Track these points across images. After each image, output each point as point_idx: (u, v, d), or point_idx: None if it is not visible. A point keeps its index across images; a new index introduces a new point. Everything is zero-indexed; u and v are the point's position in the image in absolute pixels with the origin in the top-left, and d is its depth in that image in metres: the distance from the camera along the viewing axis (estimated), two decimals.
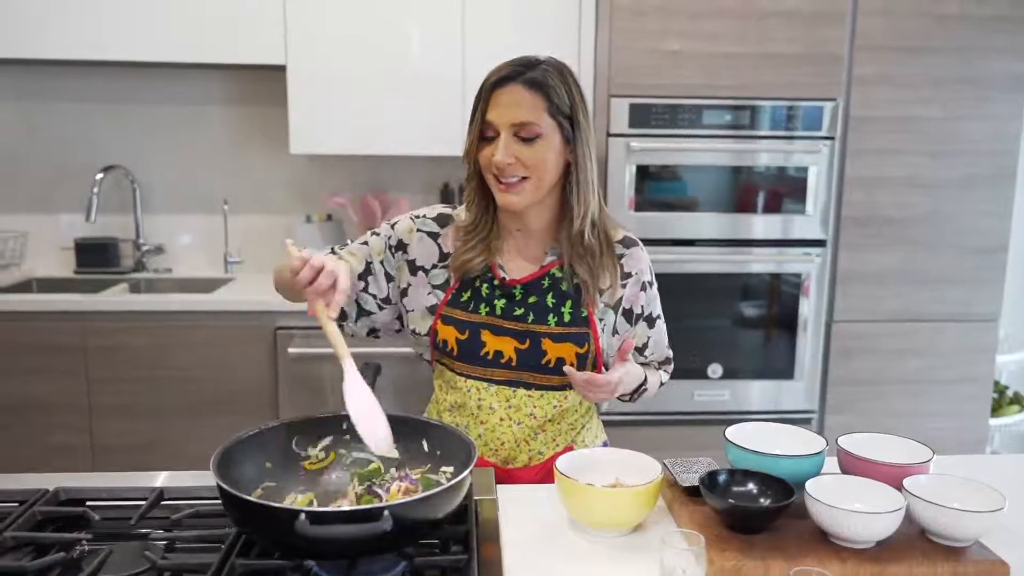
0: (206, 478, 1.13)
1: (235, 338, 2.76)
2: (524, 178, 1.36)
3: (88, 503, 1.18)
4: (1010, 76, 2.84)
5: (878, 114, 2.84)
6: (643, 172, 2.81)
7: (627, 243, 1.51)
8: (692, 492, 1.20)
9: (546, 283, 1.44)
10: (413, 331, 1.48)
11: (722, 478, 1.17)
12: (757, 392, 2.95)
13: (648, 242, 2.76)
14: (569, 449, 1.48)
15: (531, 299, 1.43)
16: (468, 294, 1.44)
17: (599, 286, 1.43)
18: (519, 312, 1.42)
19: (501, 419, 1.43)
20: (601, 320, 1.45)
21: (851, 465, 1.20)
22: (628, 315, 1.50)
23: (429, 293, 1.47)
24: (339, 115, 2.92)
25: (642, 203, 2.82)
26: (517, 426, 1.44)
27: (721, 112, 2.79)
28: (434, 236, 1.49)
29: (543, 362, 1.41)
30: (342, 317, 1.47)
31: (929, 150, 2.87)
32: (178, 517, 1.11)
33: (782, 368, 2.96)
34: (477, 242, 1.44)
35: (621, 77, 2.76)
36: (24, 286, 3.10)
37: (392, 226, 1.51)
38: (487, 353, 1.42)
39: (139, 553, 1.05)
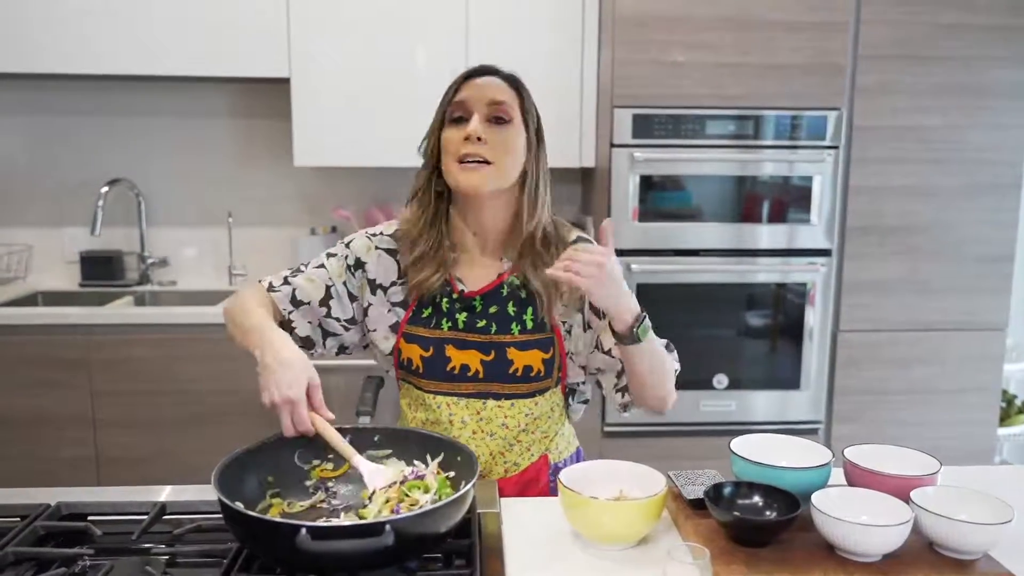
0: (208, 492, 1.12)
1: (239, 351, 2.74)
2: (488, 162, 1.34)
3: (90, 518, 1.17)
4: (1014, 85, 2.83)
5: (882, 123, 2.83)
6: (647, 182, 2.80)
7: (580, 241, 1.46)
8: (697, 505, 1.19)
9: (505, 291, 1.42)
10: (379, 349, 1.47)
11: (727, 490, 1.16)
12: (763, 402, 2.94)
13: (653, 252, 2.82)
14: (544, 458, 1.47)
15: (492, 309, 1.41)
16: (429, 310, 1.42)
17: (558, 289, 1.39)
18: (481, 324, 1.40)
19: (474, 432, 1.42)
20: (565, 323, 1.42)
21: (857, 477, 1.19)
22: (596, 309, 1.42)
23: (389, 311, 1.45)
24: (343, 127, 2.93)
25: (646, 214, 2.81)
26: (490, 438, 1.42)
27: (725, 122, 2.79)
28: (392, 253, 1.47)
29: (510, 371, 1.39)
30: (308, 346, 1.45)
31: (933, 158, 2.86)
32: (180, 532, 1.11)
33: (788, 378, 2.94)
34: (429, 258, 1.41)
35: (624, 88, 2.76)
36: (29, 299, 3.10)
37: (347, 245, 1.48)
38: (453, 368, 1.40)
39: (140, 568, 1.04)
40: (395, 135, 2.93)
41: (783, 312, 2.92)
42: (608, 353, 1.40)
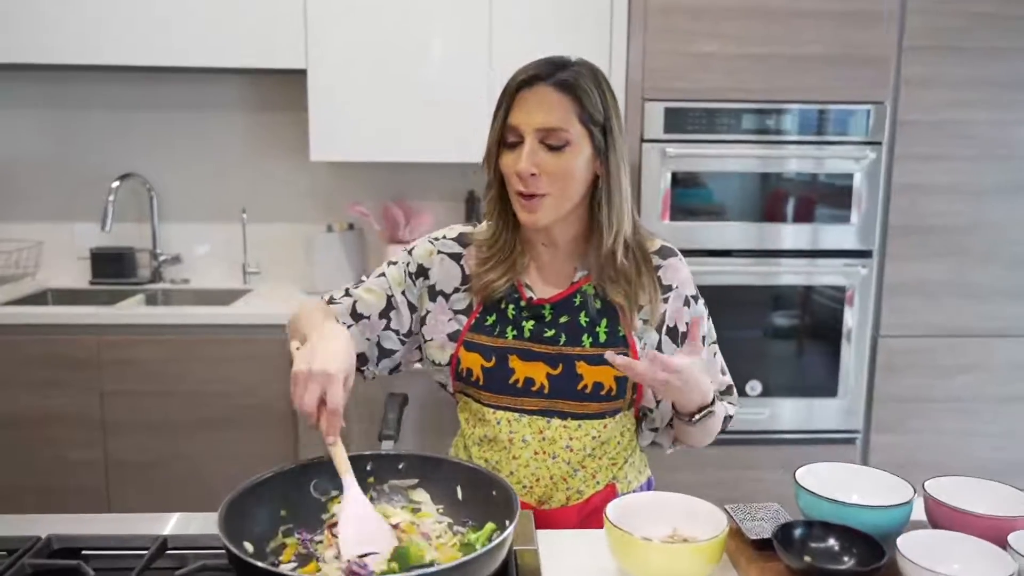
0: (215, 524, 1.01)
1: (252, 352, 2.66)
2: (545, 193, 1.23)
3: (84, 552, 1.06)
4: None
5: (926, 118, 2.69)
6: (678, 179, 2.67)
7: (664, 253, 1.37)
8: (761, 544, 1.06)
9: (578, 300, 1.31)
10: (432, 361, 1.36)
11: (798, 531, 1.03)
12: (798, 410, 2.80)
13: (684, 253, 2.65)
14: (611, 488, 1.34)
15: (562, 319, 1.30)
16: (493, 317, 1.31)
17: (638, 303, 1.29)
18: (550, 334, 1.29)
19: (535, 453, 1.30)
20: (641, 339, 1.31)
21: (942, 516, 1.06)
22: (673, 334, 1.35)
23: (450, 320, 1.34)
24: (361, 121, 2.81)
25: (678, 212, 2.68)
26: (552, 460, 1.30)
27: (761, 116, 2.65)
28: (456, 257, 1.36)
29: (579, 388, 1.27)
30: (361, 362, 1.35)
31: (981, 155, 2.71)
32: (183, 573, 0.99)
33: (824, 385, 2.81)
34: (499, 260, 1.31)
35: (656, 80, 2.62)
36: (39, 297, 3.01)
37: (410, 252, 1.39)
38: (516, 381, 1.28)
39: None
40: (414, 129, 2.83)
41: (820, 316, 2.78)
42: (659, 403, 1.33)
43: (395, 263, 1.39)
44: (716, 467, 2.77)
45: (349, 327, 1.33)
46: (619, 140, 1.26)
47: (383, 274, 1.38)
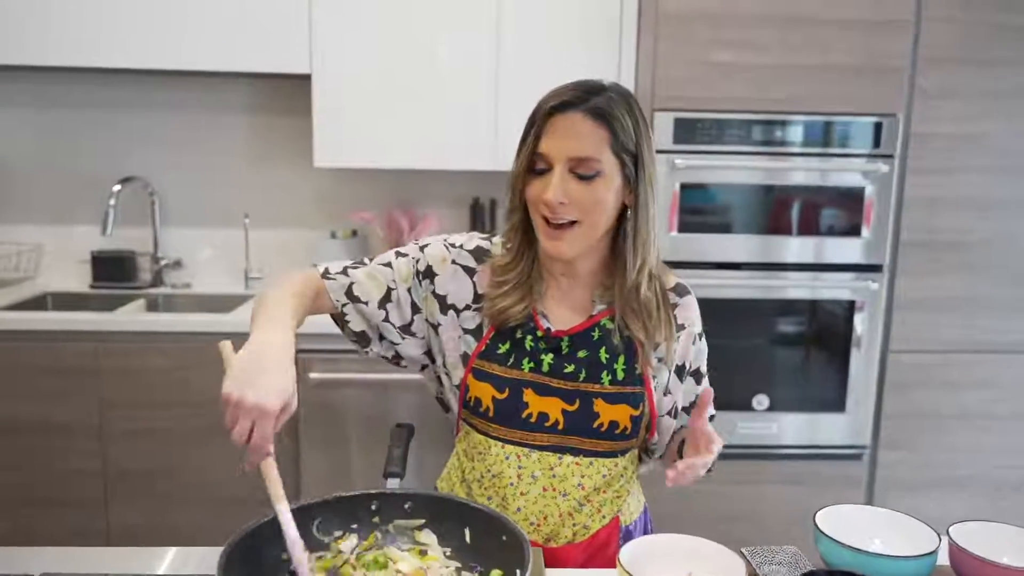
0: (214, 566, 0.97)
1: None
2: (574, 222, 1.18)
3: None
4: None
5: (941, 130, 2.65)
6: (688, 191, 2.63)
7: (680, 291, 1.34)
8: None
9: (596, 335, 1.26)
10: (446, 374, 1.31)
11: None
12: (805, 425, 2.77)
13: (692, 265, 2.64)
14: (616, 521, 1.31)
15: (580, 353, 1.25)
16: (507, 346, 1.26)
17: (656, 341, 1.26)
18: (569, 369, 1.24)
19: (544, 489, 1.26)
20: (655, 378, 1.28)
21: (967, 567, 1.02)
22: (680, 371, 1.33)
23: (460, 338, 1.29)
24: (365, 127, 2.78)
25: (686, 224, 2.64)
26: (563, 498, 1.26)
27: (772, 128, 2.61)
28: (470, 272, 1.30)
29: (594, 425, 1.24)
30: (363, 342, 1.29)
31: (995, 168, 2.67)
32: None
33: (832, 400, 2.77)
34: (515, 285, 1.25)
35: (666, 90, 2.58)
36: (39, 301, 2.98)
37: (422, 248, 1.33)
38: (530, 415, 1.24)
39: None
40: (419, 136, 2.79)
41: (829, 330, 2.74)
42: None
43: (404, 255, 1.32)
44: (721, 482, 2.73)
45: (344, 306, 1.27)
46: (650, 169, 1.21)
47: (389, 264, 1.31)
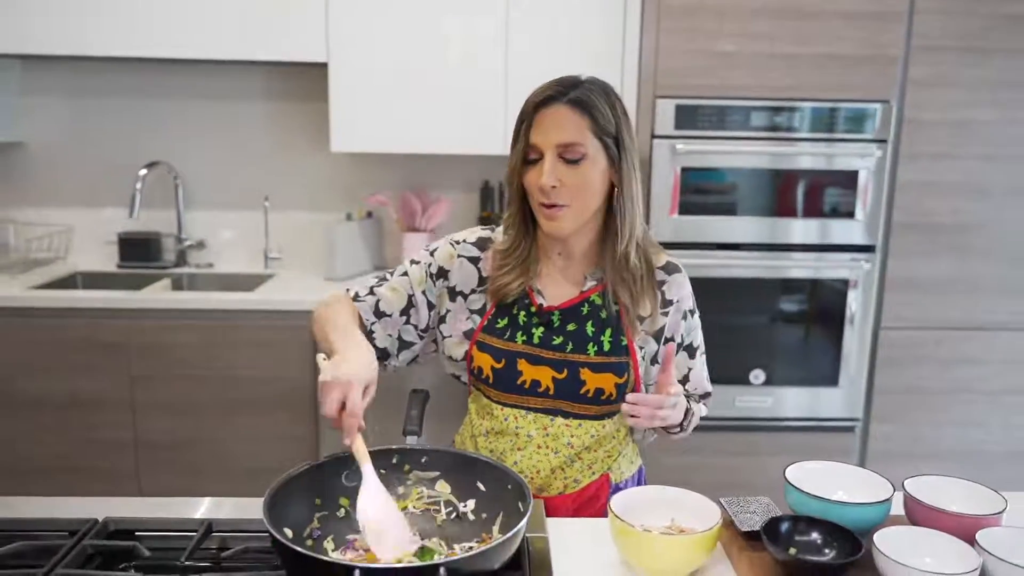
0: (252, 508, 1.12)
1: (276, 337, 2.76)
2: (567, 204, 1.33)
3: (138, 533, 1.17)
4: None
5: (933, 117, 2.75)
6: (688, 175, 2.75)
7: (669, 269, 1.47)
8: (751, 535, 1.16)
9: (585, 310, 1.41)
10: (449, 357, 1.47)
11: (784, 526, 1.13)
12: (799, 399, 2.90)
13: (692, 246, 2.77)
14: (605, 477, 1.45)
15: (570, 327, 1.40)
16: (505, 321, 1.42)
17: (639, 313, 1.40)
18: (558, 341, 1.39)
19: (539, 446, 1.41)
20: (641, 348, 1.42)
21: (918, 513, 1.16)
22: (668, 340, 1.46)
23: (467, 318, 1.45)
24: (381, 113, 2.90)
25: (686, 206, 2.76)
26: (554, 455, 1.41)
27: (769, 114, 2.72)
28: (474, 261, 1.47)
29: (581, 392, 1.38)
30: (384, 357, 1.46)
31: (985, 155, 2.77)
32: (228, 554, 1.10)
33: (826, 375, 2.89)
34: (514, 265, 1.41)
35: (667, 78, 2.69)
36: (69, 280, 3.13)
37: (432, 253, 1.49)
38: (524, 382, 1.39)
39: None
40: (433, 121, 2.91)
41: (823, 308, 2.86)
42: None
43: (417, 263, 1.49)
44: (719, 453, 2.88)
45: (372, 324, 1.44)
46: (631, 150, 1.36)
47: (405, 273, 1.48)
